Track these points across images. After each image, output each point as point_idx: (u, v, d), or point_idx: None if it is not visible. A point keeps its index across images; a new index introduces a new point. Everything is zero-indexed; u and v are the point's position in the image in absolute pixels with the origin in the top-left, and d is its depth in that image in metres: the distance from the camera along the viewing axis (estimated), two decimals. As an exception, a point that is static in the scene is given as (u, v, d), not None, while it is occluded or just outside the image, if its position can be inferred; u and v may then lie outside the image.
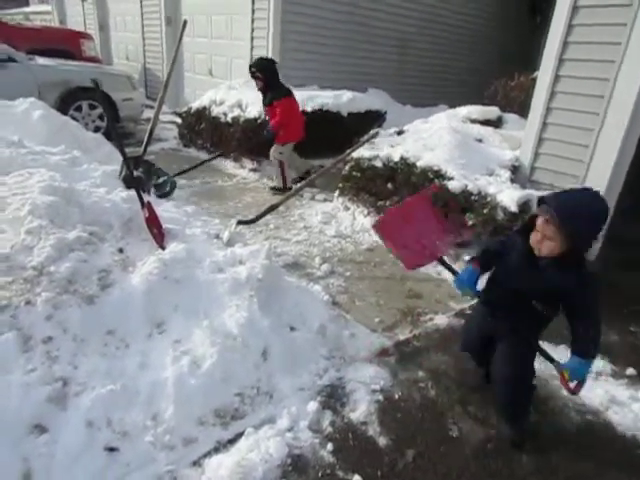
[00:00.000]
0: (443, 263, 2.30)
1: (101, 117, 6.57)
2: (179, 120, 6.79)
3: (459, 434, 2.20)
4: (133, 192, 3.44)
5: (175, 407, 2.05)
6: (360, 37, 7.65)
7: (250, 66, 4.84)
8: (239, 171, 5.73)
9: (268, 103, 4.88)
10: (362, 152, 4.21)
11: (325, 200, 4.87)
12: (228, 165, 5.84)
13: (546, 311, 1.94)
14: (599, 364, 2.76)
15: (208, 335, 2.32)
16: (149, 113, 8.15)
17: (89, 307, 2.28)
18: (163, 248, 2.83)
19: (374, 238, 4.07)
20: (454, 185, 3.54)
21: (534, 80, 5.86)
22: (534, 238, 1.84)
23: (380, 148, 4.27)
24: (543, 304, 1.92)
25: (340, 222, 4.35)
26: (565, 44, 3.80)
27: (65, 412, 1.95)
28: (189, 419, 2.07)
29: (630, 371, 2.73)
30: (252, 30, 6.87)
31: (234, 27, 7.47)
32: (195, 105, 6.33)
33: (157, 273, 2.48)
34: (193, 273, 2.59)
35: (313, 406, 2.22)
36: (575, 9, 3.70)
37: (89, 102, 6.40)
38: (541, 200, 1.83)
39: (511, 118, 5.41)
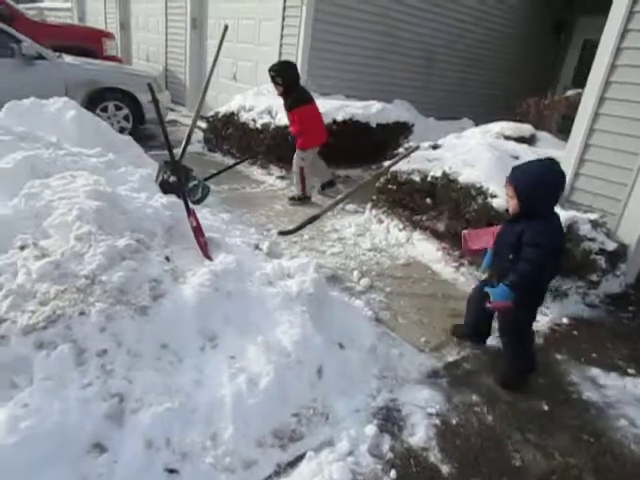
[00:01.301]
0: None
1: (126, 118, 6.54)
2: (204, 124, 6.75)
3: (522, 463, 2.13)
4: (173, 198, 3.40)
5: (234, 427, 1.98)
6: (388, 48, 7.63)
7: (269, 70, 4.70)
8: (266, 178, 5.68)
9: (287, 109, 4.81)
10: (399, 165, 4.15)
11: (356, 211, 4.81)
12: (255, 172, 5.79)
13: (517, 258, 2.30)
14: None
15: (263, 352, 2.25)
16: (172, 115, 8.16)
17: (142, 319, 2.21)
18: (210, 258, 2.77)
19: (409, 253, 4.02)
20: (499, 203, 3.48)
21: (567, 99, 5.87)
22: (506, 201, 2.43)
23: (417, 162, 4.21)
24: (515, 253, 2.31)
25: (374, 235, 4.28)
26: (613, 67, 3.74)
27: (123, 430, 1.88)
28: (248, 440, 2.00)
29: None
30: (281, 37, 6.84)
31: (262, 32, 7.44)
32: (223, 110, 6.29)
33: (209, 285, 2.42)
34: (244, 286, 2.53)
35: (372, 429, 2.15)
36: (625, 32, 3.65)
37: (115, 103, 6.36)
38: None
39: (544, 136, 5.36)
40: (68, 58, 6.47)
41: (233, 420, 2.00)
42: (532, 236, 2.23)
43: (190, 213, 2.94)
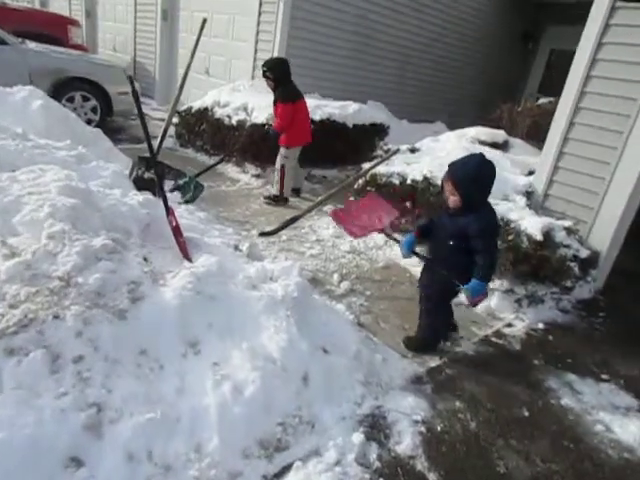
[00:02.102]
0: (386, 234, 3.10)
1: (94, 110, 6.28)
2: (175, 119, 6.55)
3: (506, 471, 2.14)
4: (149, 195, 3.27)
5: (219, 438, 1.91)
6: (363, 49, 7.63)
7: (262, 65, 4.70)
8: (242, 176, 5.56)
9: (274, 104, 4.76)
10: (378, 167, 4.14)
11: (333, 213, 4.77)
12: (230, 169, 5.66)
13: (458, 245, 2.52)
14: (625, 399, 2.76)
15: (248, 358, 2.18)
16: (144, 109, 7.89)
17: (120, 323, 2.10)
18: (189, 259, 2.67)
19: (388, 256, 4.01)
20: (478, 209, 3.51)
21: (539, 107, 6.02)
22: (445, 197, 2.50)
23: (396, 165, 4.21)
24: (457, 243, 2.52)
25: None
26: (588, 77, 3.84)
27: (101, 442, 1.77)
28: (233, 451, 1.92)
29: (656, 406, 2.74)
30: (257, 33, 6.73)
31: (236, 27, 7.30)
32: (196, 105, 6.12)
33: (191, 288, 2.32)
34: (227, 289, 2.44)
35: (358, 438, 2.12)
36: (600, 45, 3.75)
37: (82, 93, 6.10)
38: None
39: (517, 143, 5.47)
40: (32, 44, 6.15)
41: (218, 430, 1.93)
42: (481, 228, 2.43)
43: (169, 212, 2.82)
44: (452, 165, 2.46)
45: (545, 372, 2.90)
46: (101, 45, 11.11)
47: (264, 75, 4.68)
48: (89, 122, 6.07)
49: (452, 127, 8.66)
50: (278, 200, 4.87)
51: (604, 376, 2.94)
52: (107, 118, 6.48)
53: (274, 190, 4.92)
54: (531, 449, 2.28)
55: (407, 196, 3.89)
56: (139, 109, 2.96)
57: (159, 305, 2.23)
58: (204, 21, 4.41)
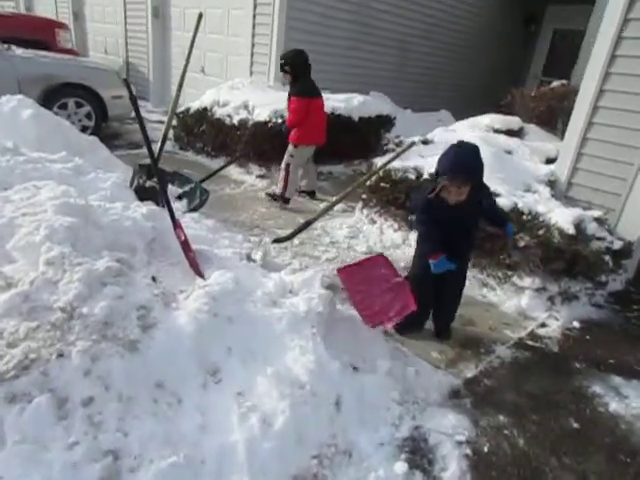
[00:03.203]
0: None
1: (88, 116, 6.04)
2: (174, 121, 6.32)
3: (564, 495, 1.95)
4: (153, 206, 3.07)
5: (250, 478, 1.71)
6: (363, 38, 7.37)
7: (280, 58, 4.54)
8: (246, 177, 5.34)
9: (288, 97, 4.54)
10: (392, 163, 3.91)
11: (344, 211, 4.56)
12: (233, 171, 5.43)
13: (476, 224, 2.74)
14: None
15: (274, 385, 1.98)
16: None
17: (132, 356, 1.90)
18: (202, 275, 2.47)
19: (408, 255, 3.79)
20: (503, 202, 3.30)
21: (553, 90, 5.77)
22: (453, 197, 2.43)
23: (410, 158, 3.99)
24: (475, 224, 2.71)
25: (367, 237, 4.05)
26: (613, 57, 3.61)
27: (120, 496, 1.58)
28: (266, 493, 1.73)
29: None
30: (254, 26, 6.47)
31: (231, 22, 7.04)
32: (194, 105, 5.89)
33: (207, 310, 2.13)
34: (245, 308, 2.24)
35: (401, 467, 1.93)
36: (626, 22, 3.51)
37: (75, 99, 5.86)
38: (438, 174, 2.43)
39: (532, 129, 5.25)
40: (19, 51, 5.91)
41: (248, 470, 1.74)
42: (490, 196, 2.75)
43: (176, 225, 2.61)
44: (452, 169, 2.36)
45: (588, 376, 2.70)
46: (92, 48, 10.84)
47: (282, 68, 4.46)
48: (84, 129, 5.84)
49: (457, 115, 8.42)
50: (278, 199, 4.64)
51: (651, 377, 2.75)
52: (102, 124, 6.24)
53: (277, 189, 4.69)
54: (587, 467, 2.09)
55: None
56: (138, 114, 2.75)
57: (173, 332, 2.03)
58: (200, 16, 4.15)
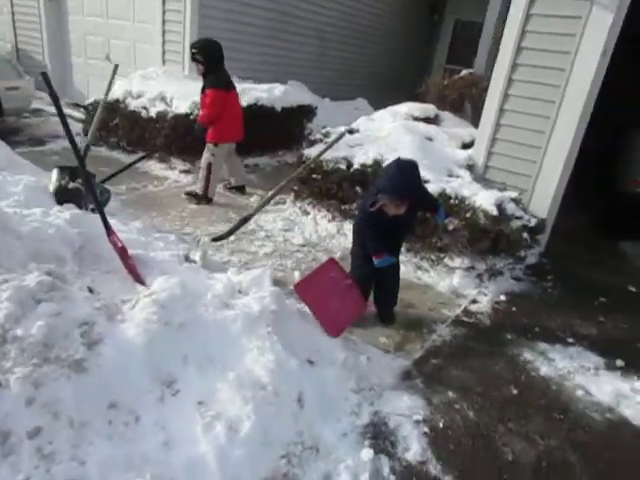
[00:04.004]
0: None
1: (-21, 111, 5.42)
2: (80, 114, 5.87)
3: (514, 457, 2.12)
4: (76, 211, 2.85)
5: (222, 489, 1.67)
6: (281, 27, 7.28)
7: (190, 46, 4.24)
8: (169, 173, 5.09)
9: (202, 91, 4.28)
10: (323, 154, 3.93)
11: (277, 203, 4.51)
12: (154, 167, 5.15)
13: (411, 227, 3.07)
14: (592, 359, 2.87)
15: (236, 389, 1.94)
16: (36, 103, 6.99)
17: (79, 377, 1.76)
18: (143, 283, 2.34)
19: (343, 245, 3.86)
20: (433, 188, 3.45)
21: (462, 79, 6.10)
22: (393, 211, 2.55)
23: (340, 149, 4.03)
24: (413, 220, 2.97)
25: (303, 229, 4.05)
26: (519, 49, 3.88)
27: (86, 529, 1.47)
28: (241, 501, 1.70)
29: (619, 362, 2.87)
30: (164, 12, 6.13)
31: (137, 7, 6.60)
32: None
33: (156, 320, 2.02)
34: (197, 313, 2.16)
35: (367, 454, 1.98)
36: (528, 16, 3.78)
37: (-38, 93, 5.23)
38: (379, 191, 2.53)
39: (446, 116, 5.52)
40: None
41: (220, 479, 1.69)
42: (424, 196, 2.84)
43: (110, 230, 2.44)
44: (392, 190, 2.47)
45: (518, 345, 2.94)
46: (-29, 33, 9.65)
47: (193, 58, 4.18)
48: (-26, 125, 5.24)
49: (373, 102, 8.65)
50: (200, 199, 4.39)
51: (570, 339, 3.05)
52: (-2, 119, 5.63)
53: (197, 188, 4.45)
54: (529, 428, 2.29)
55: (358, 182, 3.75)
56: (60, 112, 2.49)
57: (122, 346, 1.91)
58: (116, 67, 3.80)
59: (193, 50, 4.16)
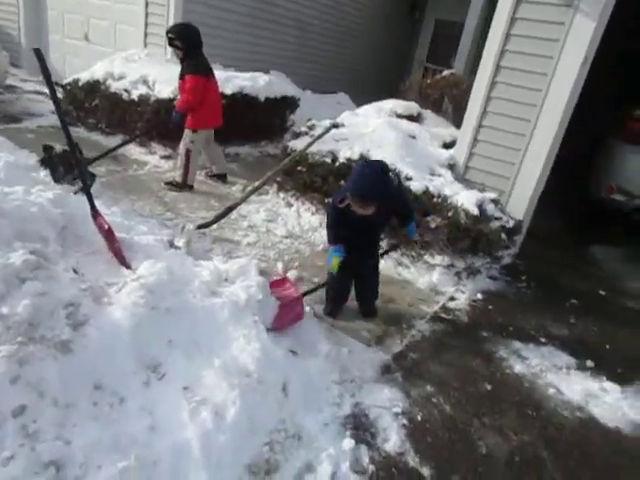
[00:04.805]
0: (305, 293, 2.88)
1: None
2: (59, 93, 5.68)
3: (487, 450, 2.19)
4: (58, 191, 2.78)
5: (207, 473, 1.68)
6: (264, 16, 7.23)
7: (167, 32, 4.11)
8: (149, 158, 5.00)
9: (180, 77, 4.18)
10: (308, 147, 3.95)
11: (259, 194, 4.49)
12: (134, 150, 5.05)
13: (382, 227, 2.92)
14: (563, 359, 2.99)
15: (222, 376, 1.95)
16: (9, 80, 6.75)
17: (65, 357, 1.74)
18: (128, 266, 2.31)
19: (326, 237, 3.88)
20: (416, 186, 3.52)
21: (444, 79, 6.20)
22: (361, 212, 2.54)
23: (325, 142, 4.06)
24: (383, 224, 2.87)
25: (286, 220, 4.06)
26: (502, 52, 3.97)
27: (70, 509, 1.46)
28: (225, 485, 1.71)
29: (589, 363, 2.99)
30: (148, -6, 6.00)
31: (119, -14, 6.45)
32: (84, 77, 5.33)
33: (143, 303, 2.00)
34: (184, 299, 2.15)
35: (349, 444, 2.02)
36: (513, 20, 3.88)
37: None
38: (346, 191, 2.55)
39: (428, 115, 5.60)
40: None
41: (204, 465, 1.70)
42: (397, 198, 2.71)
43: (96, 211, 2.40)
44: (358, 192, 2.47)
45: (494, 342, 3.03)
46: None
47: (171, 44, 4.11)
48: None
49: (355, 98, 8.70)
50: (181, 187, 4.33)
51: (542, 339, 3.16)
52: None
53: (177, 176, 4.37)
54: (503, 423, 2.36)
55: (343, 176, 3.77)
56: (52, 90, 2.39)
57: (108, 328, 1.89)
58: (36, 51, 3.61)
59: (170, 35, 4.05)
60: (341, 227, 2.71)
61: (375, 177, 2.47)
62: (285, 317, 2.44)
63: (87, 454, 1.58)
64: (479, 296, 3.51)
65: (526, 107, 3.97)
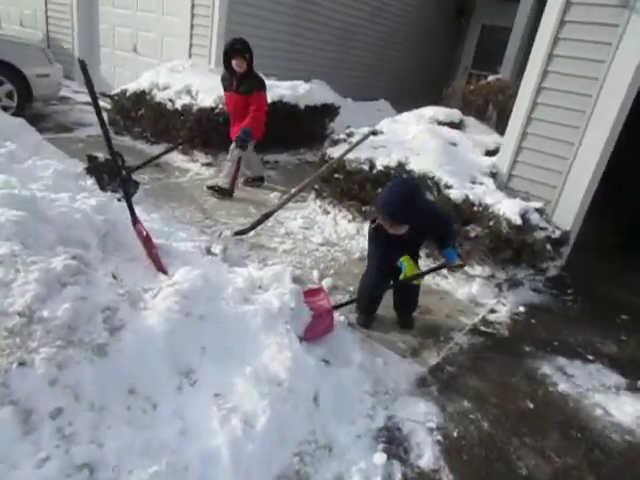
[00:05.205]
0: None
1: (10, 95, 5.50)
2: (105, 104, 5.92)
3: (528, 472, 2.08)
4: (102, 198, 2.87)
5: (235, 483, 1.67)
6: (307, 25, 7.30)
7: (234, 43, 4.10)
8: (191, 165, 5.13)
9: (245, 92, 4.20)
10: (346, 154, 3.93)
11: (297, 201, 4.50)
12: (176, 158, 5.19)
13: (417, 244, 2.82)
14: (612, 378, 2.82)
15: (253, 384, 1.94)
16: (63, 91, 7.09)
17: (102, 361, 1.78)
18: (165, 272, 2.35)
19: (363, 246, 3.84)
20: (455, 194, 3.44)
21: (489, 85, 6.05)
22: (392, 231, 2.51)
23: (363, 150, 4.02)
24: (419, 242, 2.82)
25: (323, 228, 4.04)
26: (550, 56, 3.82)
27: (101, 512, 1.48)
28: (253, 495, 1.70)
29: (640, 384, 2.82)
30: (192, 6, 6.17)
31: (166, 0, 6.66)
32: (131, 87, 5.54)
33: (178, 309, 2.03)
34: (218, 306, 2.17)
35: (380, 458, 1.97)
36: (562, 23, 3.73)
37: (-6, 77, 5.32)
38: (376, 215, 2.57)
39: (471, 122, 5.47)
40: None
41: (233, 473, 1.69)
42: (430, 217, 2.56)
43: (136, 220, 2.46)
44: (383, 208, 2.44)
45: (537, 358, 2.89)
46: (4, 20, 9.81)
47: (240, 55, 4.08)
48: (4, 110, 5.31)
49: (396, 104, 8.63)
50: (224, 193, 4.40)
51: (590, 356, 2.99)
52: (27, 105, 5.70)
53: (221, 182, 4.43)
54: (545, 444, 2.24)
55: (381, 184, 3.73)
56: (95, 102, 2.48)
57: (143, 333, 1.93)
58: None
59: (238, 47, 4.06)
60: (377, 244, 2.71)
61: (404, 197, 2.40)
62: (316, 328, 2.41)
63: (119, 457, 1.60)
64: (521, 309, 3.38)
65: (575, 113, 3.80)
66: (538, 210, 3.62)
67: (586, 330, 3.28)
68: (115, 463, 1.58)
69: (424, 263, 3.54)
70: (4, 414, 1.51)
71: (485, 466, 2.07)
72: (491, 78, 6.23)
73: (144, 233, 2.41)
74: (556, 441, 2.28)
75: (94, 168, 3.69)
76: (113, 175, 3.52)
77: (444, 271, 3.59)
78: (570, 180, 3.91)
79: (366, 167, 3.87)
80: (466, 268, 3.48)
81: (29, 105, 5.79)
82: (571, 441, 2.30)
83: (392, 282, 2.83)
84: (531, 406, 2.48)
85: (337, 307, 2.67)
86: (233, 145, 4.34)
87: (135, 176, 4.08)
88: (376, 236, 2.69)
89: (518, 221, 3.28)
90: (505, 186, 4.24)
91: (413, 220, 2.46)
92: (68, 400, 1.64)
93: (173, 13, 6.63)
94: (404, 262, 2.68)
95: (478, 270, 3.41)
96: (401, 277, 2.73)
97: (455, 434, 2.20)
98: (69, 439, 1.57)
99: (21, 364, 1.62)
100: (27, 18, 9.16)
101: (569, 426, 2.39)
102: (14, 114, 5.18)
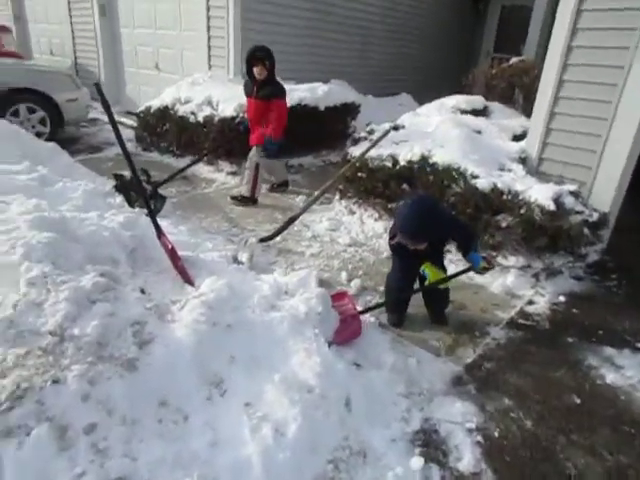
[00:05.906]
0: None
1: (43, 122, 5.73)
2: (132, 122, 6.09)
3: (577, 472, 1.97)
4: (129, 214, 2.93)
5: (268, 492, 1.66)
6: (322, 25, 7.26)
7: (255, 51, 4.11)
8: (216, 175, 5.19)
9: (265, 97, 4.20)
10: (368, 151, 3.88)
11: (322, 203, 4.48)
12: (202, 169, 5.27)
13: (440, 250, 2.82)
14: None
15: (283, 391, 1.92)
16: (92, 113, 7.33)
17: (132, 375, 1.80)
18: (192, 283, 2.37)
19: (391, 244, 3.78)
20: (482, 184, 3.32)
21: (511, 67, 5.85)
22: (411, 247, 2.53)
23: (384, 146, 3.96)
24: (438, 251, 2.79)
25: (349, 228, 4.00)
26: (574, 31, 3.65)
27: (137, 526, 1.49)
28: (287, 505, 1.68)
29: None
30: (208, 19, 6.25)
31: (183, 15, 6.77)
32: (155, 104, 5.66)
33: (205, 320, 2.04)
34: (244, 315, 2.16)
35: (417, 463, 1.91)
36: (584, -5, 3.56)
37: (27, 105, 5.54)
38: (395, 231, 2.58)
39: (496, 107, 5.30)
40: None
41: (266, 483, 1.67)
42: (450, 225, 2.57)
43: (161, 233, 2.49)
44: (402, 229, 2.47)
45: (581, 349, 2.75)
46: (36, 50, 10.27)
47: (261, 62, 4.08)
48: (39, 135, 5.53)
49: (417, 97, 8.48)
50: (247, 201, 4.42)
51: (639, 344, 2.83)
52: (59, 129, 5.93)
53: (244, 190, 4.45)
54: (595, 441, 2.12)
55: (405, 180, 3.66)
56: (112, 120, 2.54)
57: (172, 346, 1.94)
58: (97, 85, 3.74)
59: (261, 54, 4.07)
60: (398, 256, 2.75)
61: (422, 217, 2.42)
62: (343, 332, 2.38)
63: (152, 470, 1.61)
64: (561, 299, 3.23)
65: (605, 88, 3.59)
66: (573, 193, 3.46)
67: (633, 316, 3.10)
68: (148, 476, 1.60)
69: (454, 257, 3.45)
70: (41, 431, 1.54)
71: (530, 467, 1.97)
72: (514, 60, 6.00)
73: (169, 246, 2.44)
74: (607, 437, 2.15)
75: (122, 185, 3.78)
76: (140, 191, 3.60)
77: (477, 264, 3.48)
78: (605, 159, 3.71)
79: (389, 164, 3.81)
80: (499, 259, 3.36)
81: (61, 129, 6.01)
82: (624, 437, 2.16)
83: (419, 286, 2.81)
84: (578, 401, 2.35)
85: (363, 312, 2.62)
86: (251, 152, 4.36)
87: (162, 190, 4.18)
88: (395, 250, 2.73)
89: (551, 206, 3.13)
90: (536, 171, 4.07)
91: (434, 236, 2.52)
92: (101, 415, 1.67)
93: (190, 28, 6.73)
94: (426, 269, 2.63)
95: (512, 261, 3.29)
96: (426, 283, 2.69)
97: (496, 434, 2.12)
98: (103, 454, 1.60)
99: (55, 382, 1.66)
100: (56, 47, 9.55)
101: (621, 421, 2.25)
102: (48, 139, 5.40)
